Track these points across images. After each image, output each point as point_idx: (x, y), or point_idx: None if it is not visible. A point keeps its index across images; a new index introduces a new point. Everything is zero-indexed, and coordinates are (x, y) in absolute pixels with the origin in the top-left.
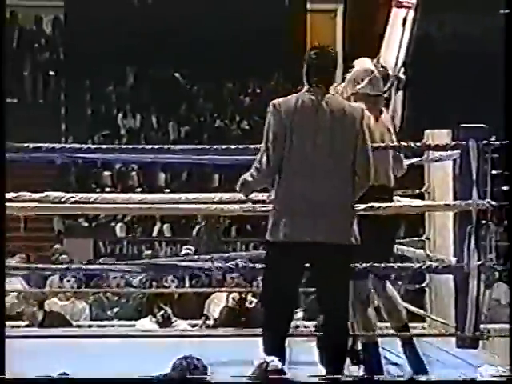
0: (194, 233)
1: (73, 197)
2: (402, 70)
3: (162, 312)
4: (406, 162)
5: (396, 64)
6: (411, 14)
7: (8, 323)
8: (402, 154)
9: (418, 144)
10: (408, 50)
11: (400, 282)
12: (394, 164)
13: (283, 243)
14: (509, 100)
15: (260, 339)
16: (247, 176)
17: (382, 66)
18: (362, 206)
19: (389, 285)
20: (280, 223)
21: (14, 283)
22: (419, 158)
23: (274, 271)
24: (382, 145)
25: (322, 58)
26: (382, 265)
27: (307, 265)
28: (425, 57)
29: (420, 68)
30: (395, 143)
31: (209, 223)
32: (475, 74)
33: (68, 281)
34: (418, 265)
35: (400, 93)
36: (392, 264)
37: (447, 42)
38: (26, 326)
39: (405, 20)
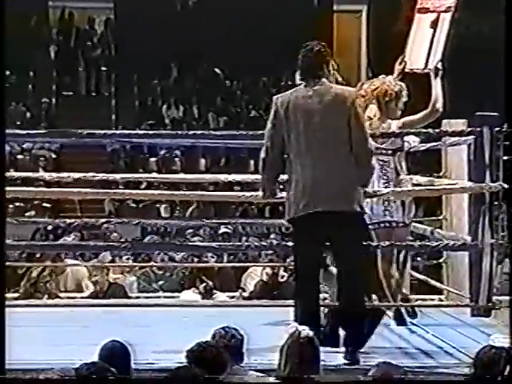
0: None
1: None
2: (440, 63)
3: (205, 284)
4: (426, 146)
5: (427, 61)
6: (445, 16)
7: (64, 294)
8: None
9: (437, 130)
10: (446, 46)
11: (419, 258)
12: None
13: (294, 219)
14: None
15: (291, 310)
16: (260, 173)
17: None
18: (385, 190)
19: None
20: (290, 203)
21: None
22: (437, 143)
23: (294, 246)
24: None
25: (308, 55)
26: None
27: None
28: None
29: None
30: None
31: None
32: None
33: (121, 257)
34: (436, 243)
35: (438, 80)
36: (412, 242)
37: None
38: (89, 296)
39: (435, 22)
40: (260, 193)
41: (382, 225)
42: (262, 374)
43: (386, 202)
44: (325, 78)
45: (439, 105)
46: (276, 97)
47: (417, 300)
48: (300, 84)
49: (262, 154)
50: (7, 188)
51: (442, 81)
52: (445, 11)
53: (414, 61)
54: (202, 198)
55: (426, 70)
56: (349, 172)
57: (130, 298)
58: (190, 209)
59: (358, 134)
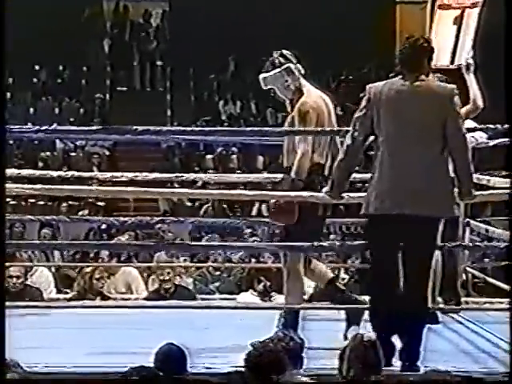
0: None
1: (179, 176)
2: (471, 57)
3: (263, 284)
4: (494, 142)
5: (453, 57)
6: (471, 11)
7: (119, 296)
8: None
9: (506, 126)
10: (475, 40)
11: (487, 259)
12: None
13: (374, 216)
14: None
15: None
16: (338, 162)
17: None
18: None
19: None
20: (371, 197)
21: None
22: (505, 139)
23: (370, 243)
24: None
25: (410, 49)
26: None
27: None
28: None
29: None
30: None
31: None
32: None
33: (178, 257)
34: (503, 244)
35: (472, 75)
36: (479, 243)
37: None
38: (150, 297)
39: (459, 19)
40: (325, 190)
41: None
42: (310, 381)
43: None
44: (424, 73)
45: (480, 102)
46: (369, 86)
47: (484, 303)
48: (397, 75)
49: (348, 141)
50: (63, 186)
51: (476, 76)
52: (470, 7)
53: (439, 58)
54: (259, 197)
55: (451, 67)
56: (439, 174)
57: (195, 299)
58: (255, 208)
59: (455, 134)
